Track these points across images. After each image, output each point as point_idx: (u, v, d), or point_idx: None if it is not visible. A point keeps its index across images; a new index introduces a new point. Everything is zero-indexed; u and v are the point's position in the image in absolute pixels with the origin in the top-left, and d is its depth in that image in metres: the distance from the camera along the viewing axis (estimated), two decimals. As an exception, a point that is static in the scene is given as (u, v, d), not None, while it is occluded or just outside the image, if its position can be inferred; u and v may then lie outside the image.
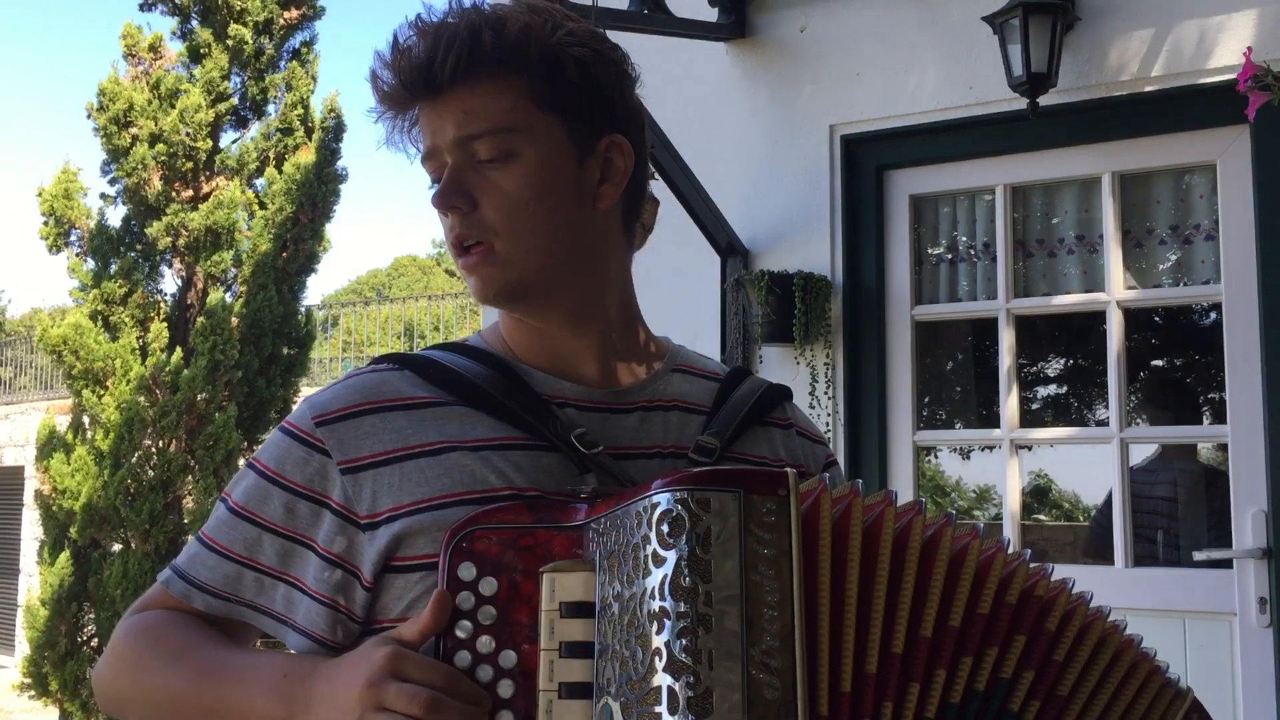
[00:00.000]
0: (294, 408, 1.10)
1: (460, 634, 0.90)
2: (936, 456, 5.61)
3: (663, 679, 0.82)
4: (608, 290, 1.13)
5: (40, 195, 8.13)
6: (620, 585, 0.86)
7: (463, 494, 0.99)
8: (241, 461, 7.96)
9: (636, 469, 1.04)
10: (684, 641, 0.82)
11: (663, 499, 0.85)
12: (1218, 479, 4.13)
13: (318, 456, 1.03)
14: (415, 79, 1.03)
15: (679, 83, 3.89)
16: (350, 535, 1.01)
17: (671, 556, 0.83)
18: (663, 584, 0.83)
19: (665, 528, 0.84)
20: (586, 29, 1.09)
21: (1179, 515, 3.88)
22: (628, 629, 0.85)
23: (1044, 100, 3.29)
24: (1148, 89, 3.31)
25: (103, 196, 8.32)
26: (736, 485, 0.86)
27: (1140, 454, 3.94)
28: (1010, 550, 0.94)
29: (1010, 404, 3.56)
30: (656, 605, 0.83)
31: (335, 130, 8.50)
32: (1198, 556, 3.24)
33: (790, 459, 1.15)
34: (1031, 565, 0.94)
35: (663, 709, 0.81)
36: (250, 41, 8.34)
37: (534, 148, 1.04)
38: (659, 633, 0.82)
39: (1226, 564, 3.17)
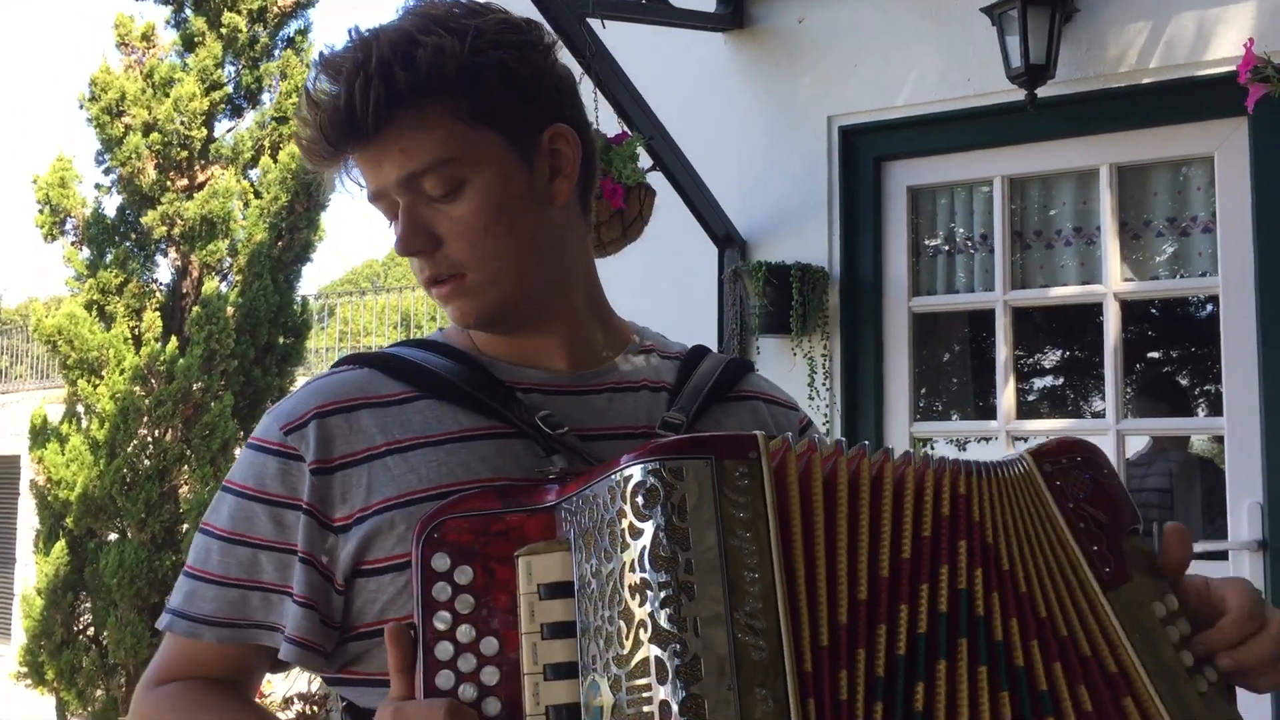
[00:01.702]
0: (260, 421, 1.09)
1: (440, 625, 0.90)
2: (933, 447, 5.61)
3: (650, 650, 0.81)
4: (576, 281, 1.13)
5: (36, 184, 8.10)
6: (598, 561, 0.86)
7: (429, 489, 1.00)
8: (238, 450, 7.96)
9: (606, 449, 1.03)
10: (668, 611, 0.82)
11: (635, 471, 0.85)
12: (1209, 469, 4.15)
13: (293, 464, 1.03)
14: (340, 133, 1.00)
15: (676, 73, 3.88)
16: (324, 538, 1.01)
17: (649, 528, 0.84)
18: (642, 555, 0.83)
19: (640, 499, 0.84)
20: (493, 21, 1.03)
21: (1172, 506, 3.90)
22: (609, 604, 0.85)
23: (1042, 92, 3.28)
24: (1146, 81, 3.31)
25: (97, 186, 8.30)
26: (708, 451, 0.86)
27: (1137, 445, 3.95)
28: (927, 459, 0.94)
29: (1007, 395, 3.56)
30: (638, 577, 0.83)
31: (330, 119, 8.46)
32: (1194, 549, 3.24)
33: (760, 429, 1.14)
34: (936, 462, 0.93)
35: (651, 679, 0.81)
36: (244, 29, 8.30)
37: (480, 171, 1.02)
38: (642, 605, 0.82)
39: (1222, 556, 3.18)
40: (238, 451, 7.98)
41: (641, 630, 0.82)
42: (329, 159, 1.03)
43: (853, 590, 0.86)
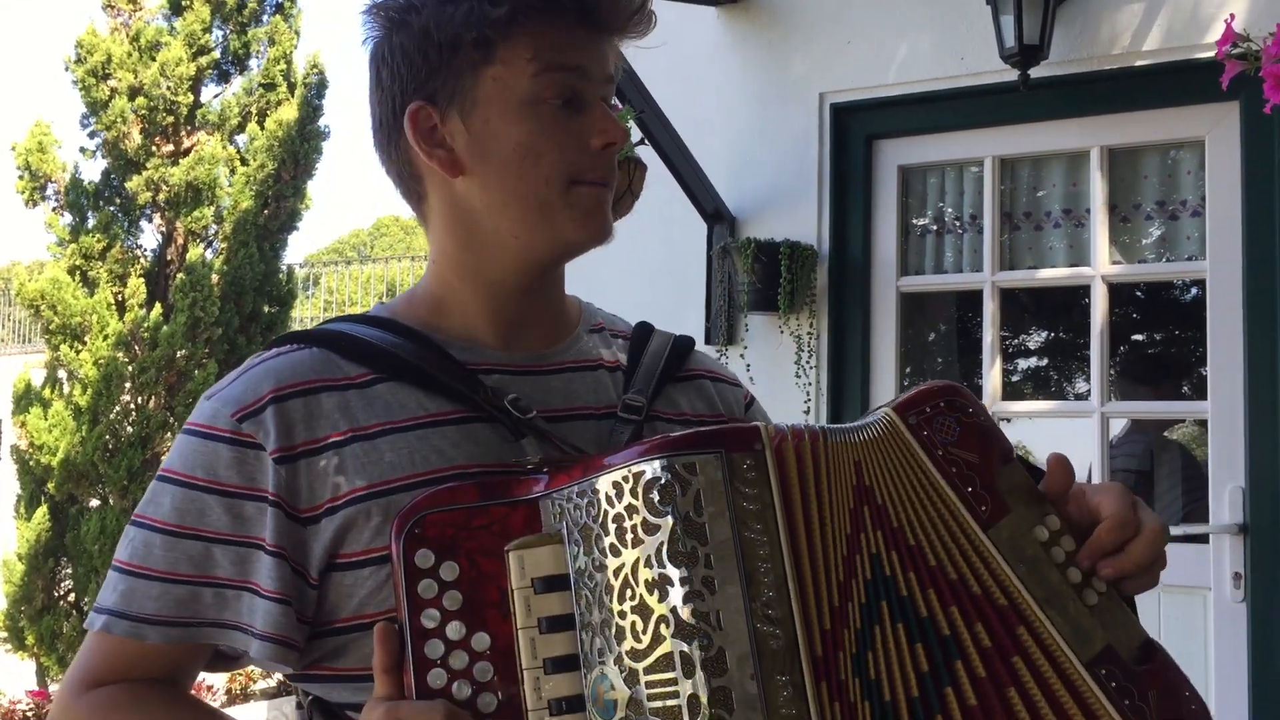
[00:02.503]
0: (198, 407, 1.01)
1: (428, 623, 0.88)
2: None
3: (674, 645, 0.83)
4: None
5: (14, 150, 8.02)
6: (600, 555, 0.87)
7: (403, 479, 0.96)
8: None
9: (570, 431, 1.03)
10: (691, 605, 0.83)
11: (647, 467, 0.86)
12: (1186, 451, 4.18)
13: (250, 452, 0.97)
14: (615, 13, 1.03)
15: (668, 46, 3.83)
16: (292, 530, 0.96)
17: (666, 523, 0.85)
18: (659, 551, 0.84)
19: (655, 495, 0.85)
20: None
21: (1151, 487, 3.92)
22: (619, 598, 0.85)
23: (1035, 73, 3.27)
24: (1139, 64, 3.30)
25: (81, 150, 8.22)
26: (716, 446, 0.87)
27: (1119, 427, 3.97)
28: (796, 428, 0.93)
29: (993, 377, 3.57)
30: (655, 573, 0.84)
31: (318, 87, 8.40)
32: (1174, 531, 3.27)
33: (710, 409, 1.16)
34: (810, 431, 0.93)
35: (676, 673, 0.82)
36: (233, -6, 8.22)
37: None
38: (662, 600, 0.84)
39: (1203, 539, 3.20)
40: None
41: (663, 625, 0.83)
42: (565, 14, 1.01)
43: (834, 573, 0.88)
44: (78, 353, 7.61)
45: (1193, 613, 3.18)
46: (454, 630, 0.88)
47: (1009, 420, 4.07)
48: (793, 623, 0.84)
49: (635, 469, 0.87)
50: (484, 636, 0.88)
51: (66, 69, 8.07)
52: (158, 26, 8.22)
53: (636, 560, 0.85)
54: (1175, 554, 3.28)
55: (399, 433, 0.99)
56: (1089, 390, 3.47)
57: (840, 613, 0.87)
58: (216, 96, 8.45)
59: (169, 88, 7.99)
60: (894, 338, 3.66)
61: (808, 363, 3.65)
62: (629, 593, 0.85)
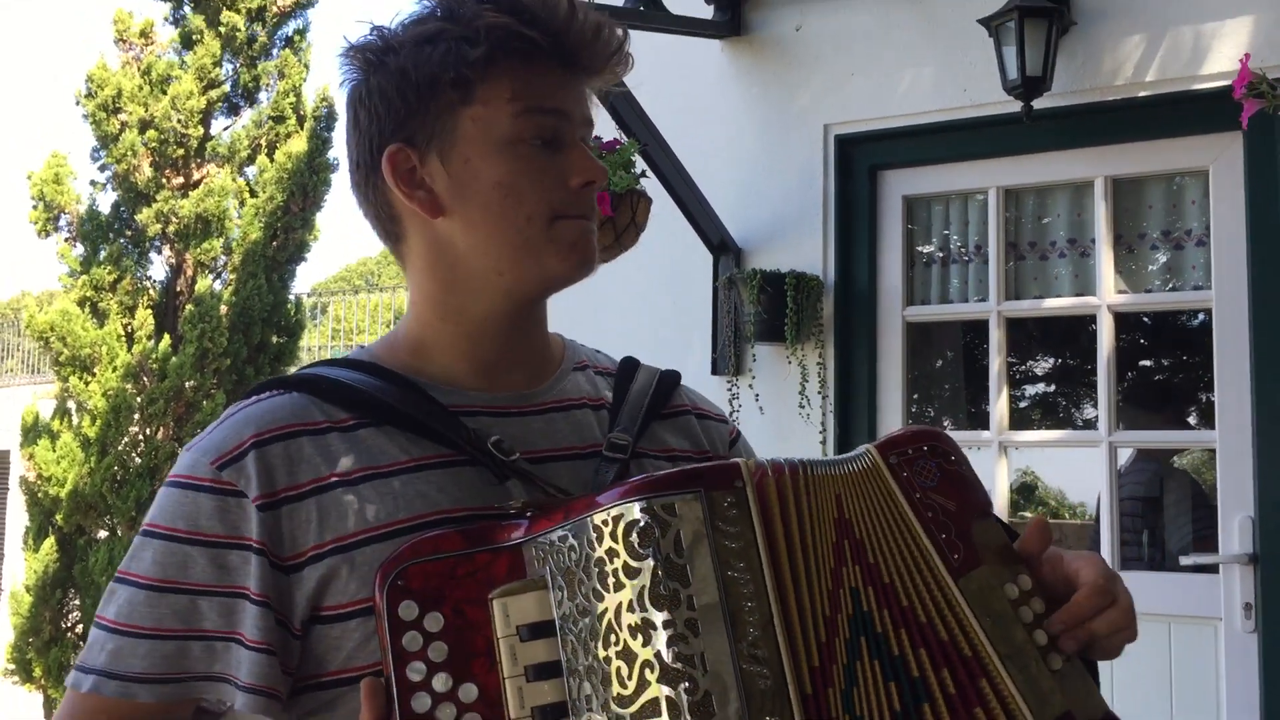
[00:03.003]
0: (178, 460, 0.99)
1: (414, 676, 0.87)
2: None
3: (660, 689, 0.82)
4: None
5: (30, 180, 8.09)
6: (584, 600, 0.86)
7: (389, 525, 0.94)
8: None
9: (554, 472, 1.01)
10: (675, 649, 0.82)
11: (625, 510, 0.85)
12: (1187, 480, 4.17)
13: (232, 499, 0.95)
14: (590, 53, 1.03)
15: (673, 80, 3.88)
16: (276, 578, 0.94)
17: (646, 567, 0.84)
18: (641, 595, 0.84)
19: (635, 538, 0.84)
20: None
21: (1149, 515, 3.90)
22: (603, 643, 0.84)
23: (1038, 104, 3.29)
24: (1142, 94, 3.32)
25: (92, 183, 8.30)
26: (696, 485, 0.86)
27: (1126, 456, 3.96)
28: (777, 462, 0.93)
29: (1000, 406, 3.57)
30: (638, 617, 0.83)
31: (327, 119, 8.47)
32: (1184, 561, 3.26)
33: (694, 446, 1.15)
34: (790, 464, 0.92)
35: (663, 718, 0.82)
36: (243, 28, 8.30)
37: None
38: (645, 644, 0.83)
39: (1213, 569, 3.19)
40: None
41: (648, 670, 0.82)
42: (537, 57, 1.01)
43: (821, 608, 0.87)
44: (87, 384, 7.64)
45: (1203, 643, 3.16)
46: (440, 682, 0.87)
47: (1016, 448, 4.06)
48: (780, 661, 0.83)
49: (614, 511, 0.85)
50: (471, 688, 0.87)
51: (78, 103, 8.15)
52: (169, 60, 8.31)
53: (619, 604, 0.84)
54: (1185, 584, 3.27)
55: (382, 478, 0.97)
56: (1096, 418, 3.46)
57: (827, 648, 0.86)
58: (226, 129, 8.52)
59: (179, 121, 8.06)
60: (900, 367, 3.66)
61: (815, 393, 3.65)
62: (613, 637, 0.84)
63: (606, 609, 0.85)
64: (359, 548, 0.94)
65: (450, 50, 0.99)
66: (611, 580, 0.85)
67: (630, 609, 0.84)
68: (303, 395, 1.00)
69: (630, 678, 0.83)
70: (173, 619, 0.95)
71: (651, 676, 0.82)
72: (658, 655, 0.82)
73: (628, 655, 0.83)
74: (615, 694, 0.83)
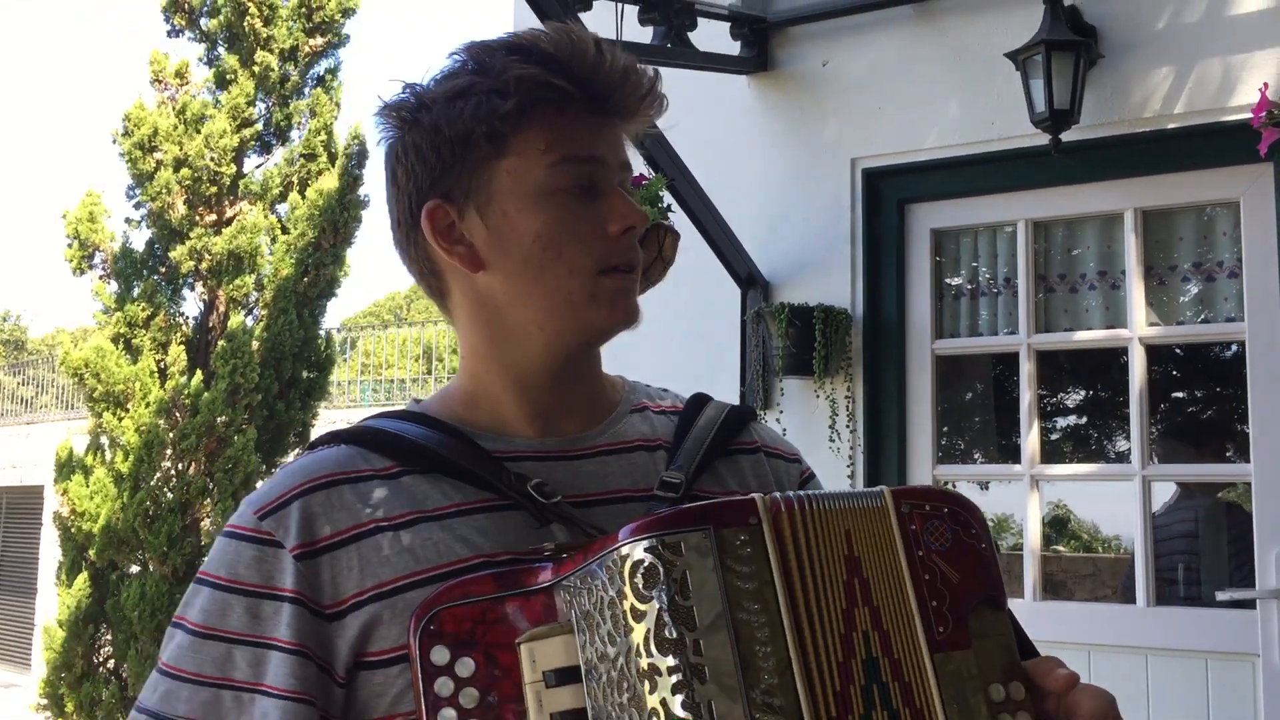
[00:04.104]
0: (236, 511, 1.02)
1: None
2: (956, 485, 5.58)
3: None
4: None
5: (65, 218, 8.22)
6: (602, 644, 0.83)
7: (430, 570, 0.94)
8: (259, 483, 7.98)
9: (603, 516, 0.99)
10: (681, 697, 0.79)
11: (631, 549, 0.82)
12: (1237, 515, 4.10)
13: (269, 550, 0.96)
14: (609, 90, 1.02)
15: (701, 116, 3.91)
16: (316, 626, 0.94)
17: (651, 609, 0.80)
18: (647, 639, 0.80)
19: (640, 579, 0.81)
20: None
21: (1199, 551, 3.86)
22: (619, 690, 0.82)
23: (1066, 136, 3.29)
24: (1170, 126, 3.31)
25: (127, 220, 8.41)
26: (705, 522, 0.82)
27: (1162, 490, 3.92)
28: (821, 495, 0.90)
29: (1031, 439, 3.54)
30: (645, 662, 0.80)
31: (358, 157, 8.57)
32: (1220, 597, 3.21)
33: (761, 486, 1.10)
34: (798, 496, 0.89)
35: None
36: (276, 68, 8.43)
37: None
38: (652, 691, 0.79)
39: (1250, 605, 3.14)
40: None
41: (654, 718, 0.79)
42: (568, 100, 1.01)
43: (834, 651, 0.84)
44: (120, 419, 7.72)
45: (1241, 679, 3.11)
46: None
47: (1049, 482, 4.03)
48: (799, 710, 0.79)
49: (623, 551, 0.82)
50: None
51: (114, 141, 8.28)
52: (203, 100, 8.44)
53: (629, 649, 0.81)
54: (1222, 620, 3.23)
55: (424, 523, 0.97)
56: (1129, 449, 3.43)
57: (843, 698, 0.82)
58: (259, 167, 8.63)
59: (213, 159, 8.17)
60: (930, 400, 3.65)
61: (844, 426, 3.64)
62: (625, 684, 0.81)
63: (620, 654, 0.82)
64: (400, 593, 0.94)
65: (481, 104, 0.99)
66: (624, 623, 0.82)
67: (638, 654, 0.81)
68: (350, 446, 1.02)
69: None
70: (211, 666, 0.96)
71: None
72: (664, 703, 0.79)
73: (639, 703, 0.80)
74: None
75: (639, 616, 0.81)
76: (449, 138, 1.00)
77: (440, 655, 0.87)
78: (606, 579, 0.83)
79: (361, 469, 1.00)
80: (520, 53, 1.00)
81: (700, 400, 1.16)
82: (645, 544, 0.82)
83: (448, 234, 1.03)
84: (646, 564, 0.81)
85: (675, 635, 0.80)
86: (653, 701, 0.79)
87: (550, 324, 1.02)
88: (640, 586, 0.81)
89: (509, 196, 1.01)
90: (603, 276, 1.01)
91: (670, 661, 0.79)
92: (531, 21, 3.59)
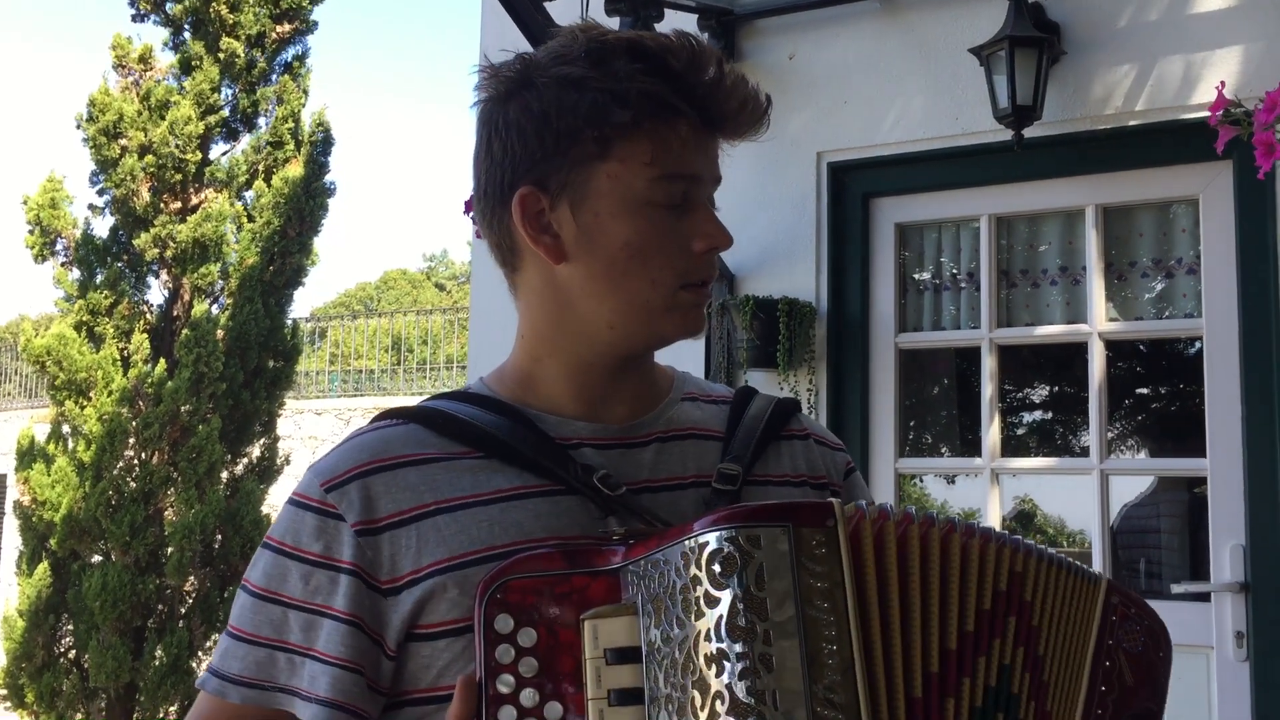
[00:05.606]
0: (302, 479, 1.06)
1: (503, 689, 0.89)
2: (921, 481, 5.62)
3: None
4: None
5: (26, 204, 8.11)
6: (669, 627, 0.86)
7: (484, 550, 0.97)
8: (224, 474, 7.94)
9: (658, 502, 1.03)
10: (746, 683, 0.81)
11: (711, 538, 0.85)
12: (1205, 510, 4.16)
13: (331, 522, 0.99)
14: (725, 116, 1.05)
15: (667, 107, 3.90)
16: (372, 600, 0.98)
17: (726, 596, 0.83)
18: (718, 625, 0.83)
19: (717, 567, 0.84)
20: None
21: (1160, 545, 3.90)
22: (682, 673, 0.84)
23: (1029, 132, 3.31)
24: (1132, 123, 3.34)
25: (90, 207, 8.32)
26: (785, 519, 0.85)
27: (1120, 484, 3.95)
28: (984, 529, 0.94)
29: (992, 433, 3.57)
30: (714, 647, 0.82)
31: (324, 144, 8.51)
32: (1176, 589, 3.25)
33: (810, 471, 1.15)
34: (998, 537, 0.93)
35: None
36: (242, 54, 8.35)
37: None
38: (719, 675, 0.82)
39: (1204, 597, 3.18)
40: (224, 475, 7.98)
41: (718, 701, 0.82)
42: (704, 131, 1.05)
43: (926, 662, 0.86)
44: (82, 408, 7.64)
45: (1195, 672, 3.15)
46: (528, 697, 0.89)
47: (1012, 475, 4.06)
48: (858, 710, 0.81)
49: (701, 539, 0.85)
50: (556, 706, 0.88)
51: (78, 126, 8.18)
52: (168, 86, 8.35)
53: (699, 633, 0.83)
54: (1177, 612, 3.26)
55: (482, 505, 0.99)
56: (1089, 444, 3.47)
57: (926, 705, 0.85)
58: (225, 154, 8.56)
59: (178, 146, 8.09)
60: (893, 394, 3.67)
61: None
62: (691, 667, 0.83)
63: (688, 637, 0.84)
64: (454, 571, 0.97)
65: (597, 104, 0.99)
66: (694, 609, 0.84)
67: (708, 638, 0.83)
68: (416, 425, 1.04)
69: (703, 709, 0.82)
70: (268, 627, 1.00)
71: (721, 708, 0.81)
72: (729, 688, 0.81)
73: (702, 686, 0.82)
74: None
75: (712, 602, 0.83)
76: (556, 129, 1.01)
77: (504, 623, 0.90)
78: (681, 564, 0.86)
79: (428, 451, 1.02)
80: (644, 60, 1.01)
81: (748, 391, 1.20)
82: (725, 534, 0.84)
83: (535, 221, 1.04)
84: (725, 553, 0.84)
85: (746, 623, 0.82)
86: (717, 685, 0.82)
87: (623, 326, 1.04)
88: (717, 574, 0.84)
89: (605, 199, 1.02)
90: (682, 290, 1.04)
91: (739, 648, 0.82)
92: (499, 9, 3.57)
